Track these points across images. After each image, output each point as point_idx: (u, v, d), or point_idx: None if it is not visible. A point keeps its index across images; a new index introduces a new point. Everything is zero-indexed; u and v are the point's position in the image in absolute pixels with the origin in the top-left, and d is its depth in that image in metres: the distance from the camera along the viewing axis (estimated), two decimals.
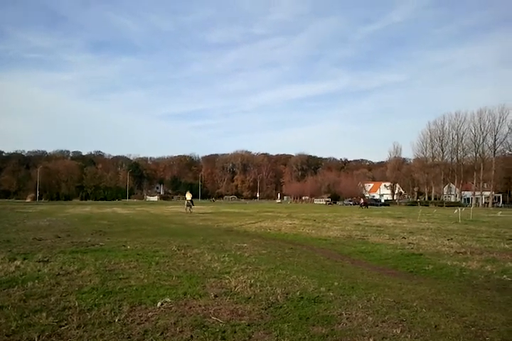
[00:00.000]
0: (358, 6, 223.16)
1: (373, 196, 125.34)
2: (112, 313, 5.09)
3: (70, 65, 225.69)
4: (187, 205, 40.18)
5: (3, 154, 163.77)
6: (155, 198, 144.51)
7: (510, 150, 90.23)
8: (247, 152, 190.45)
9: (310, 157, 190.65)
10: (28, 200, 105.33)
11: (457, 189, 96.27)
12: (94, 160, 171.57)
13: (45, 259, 8.92)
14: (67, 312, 5.09)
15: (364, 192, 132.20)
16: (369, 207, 68.63)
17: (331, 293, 6.30)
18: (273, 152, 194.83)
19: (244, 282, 6.89)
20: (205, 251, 10.71)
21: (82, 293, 6.08)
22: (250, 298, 5.99)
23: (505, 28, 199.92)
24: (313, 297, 6.08)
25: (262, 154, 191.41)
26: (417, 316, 5.28)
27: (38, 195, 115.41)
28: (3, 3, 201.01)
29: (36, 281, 6.71)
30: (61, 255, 9.61)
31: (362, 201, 73.43)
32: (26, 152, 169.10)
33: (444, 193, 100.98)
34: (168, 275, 7.44)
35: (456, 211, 29.59)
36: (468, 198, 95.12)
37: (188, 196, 41.35)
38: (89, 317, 4.93)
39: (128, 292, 6.18)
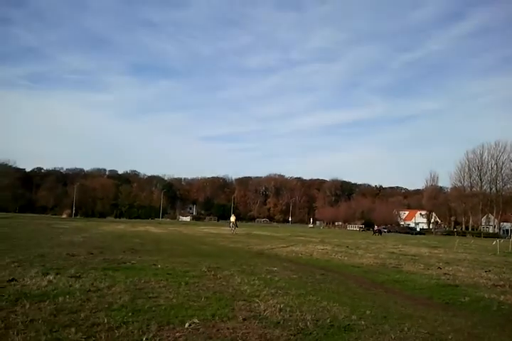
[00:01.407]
0: (396, 33, 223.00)
1: (408, 224, 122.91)
2: (140, 332, 5.06)
3: (110, 86, 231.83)
4: (232, 226, 43.90)
5: (43, 171, 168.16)
6: (187, 218, 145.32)
7: None
8: (280, 175, 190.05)
9: (344, 182, 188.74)
10: (64, 216, 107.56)
11: (496, 220, 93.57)
12: (129, 179, 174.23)
13: (77, 275, 9.01)
14: (95, 329, 5.09)
15: (399, 219, 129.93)
16: (383, 234, 66.93)
17: (363, 322, 6.12)
18: (306, 176, 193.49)
19: (274, 306, 6.77)
20: (235, 273, 10.63)
21: (111, 310, 6.09)
22: (279, 322, 5.87)
23: None
24: (344, 325, 5.91)
25: (296, 178, 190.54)
26: None
27: (73, 211, 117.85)
28: (47, 26, 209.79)
29: (67, 296, 6.76)
30: (93, 271, 9.70)
31: (376, 228, 71.74)
32: (64, 169, 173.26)
33: (482, 224, 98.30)
34: (198, 296, 7.39)
35: (494, 242, 28.68)
36: (507, 230, 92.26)
37: (232, 218, 46.42)
38: (117, 334, 4.91)
39: (157, 311, 6.16)
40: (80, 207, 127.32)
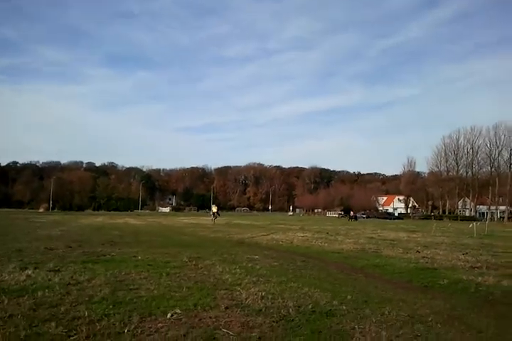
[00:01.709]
0: (373, 21, 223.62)
1: (387, 209, 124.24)
2: (122, 324, 5.03)
3: (87, 78, 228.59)
4: (213, 216, 44.76)
5: (18, 165, 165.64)
6: (167, 209, 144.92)
7: None
8: (259, 164, 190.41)
9: (323, 170, 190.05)
10: (41, 210, 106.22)
11: (472, 203, 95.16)
12: (107, 171, 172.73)
13: (56, 269, 8.91)
14: (76, 322, 5.04)
15: (377, 205, 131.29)
16: (359, 219, 66.93)
17: (344, 307, 6.18)
18: (286, 165, 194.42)
19: (256, 294, 6.79)
20: (217, 262, 10.63)
21: (92, 303, 6.04)
22: (261, 310, 5.89)
23: None
24: (326, 310, 5.97)
25: (275, 167, 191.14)
26: (432, 331, 5.15)
27: (51, 205, 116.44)
28: (23, 18, 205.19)
29: (46, 291, 6.68)
30: (72, 265, 9.60)
31: (352, 214, 71.56)
32: (40, 163, 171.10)
33: (459, 207, 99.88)
34: (179, 286, 7.37)
35: (471, 225, 29.21)
36: (483, 212, 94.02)
37: (214, 208, 47.50)
38: (98, 327, 4.87)
39: (138, 303, 6.13)
40: (57, 201, 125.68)
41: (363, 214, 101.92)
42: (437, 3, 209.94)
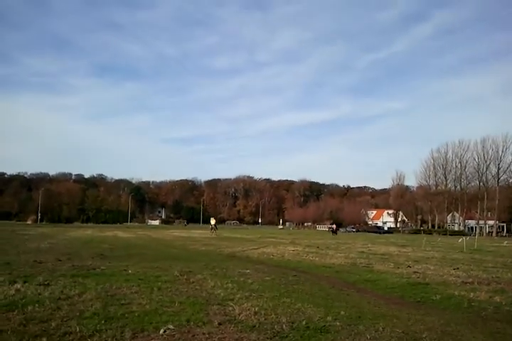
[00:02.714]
0: (361, 34, 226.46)
1: (376, 223, 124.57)
2: (114, 340, 4.97)
3: (75, 88, 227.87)
4: (211, 229, 47.31)
5: (6, 176, 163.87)
6: (156, 222, 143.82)
7: None
8: (249, 177, 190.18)
9: (312, 183, 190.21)
10: (29, 222, 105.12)
11: (461, 217, 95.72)
12: (96, 183, 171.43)
13: (46, 283, 8.79)
14: (67, 338, 4.97)
15: (367, 219, 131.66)
16: (338, 233, 65.80)
17: (338, 323, 6.14)
18: (275, 178, 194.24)
19: (249, 310, 6.74)
20: (208, 276, 10.55)
21: (83, 318, 5.94)
22: (255, 326, 5.84)
23: (504, 61, 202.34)
24: (320, 326, 5.93)
25: (265, 180, 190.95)
26: None
27: (39, 217, 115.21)
28: (9, 28, 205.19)
29: (36, 305, 6.58)
30: (62, 278, 9.48)
31: (334, 226, 70.63)
32: (29, 174, 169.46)
33: (448, 222, 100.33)
34: (171, 301, 7.29)
35: (460, 240, 29.33)
36: (471, 227, 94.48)
37: (212, 221, 50.11)
38: None
39: (130, 318, 6.05)
40: (45, 213, 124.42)
41: (353, 227, 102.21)
42: (423, 18, 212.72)
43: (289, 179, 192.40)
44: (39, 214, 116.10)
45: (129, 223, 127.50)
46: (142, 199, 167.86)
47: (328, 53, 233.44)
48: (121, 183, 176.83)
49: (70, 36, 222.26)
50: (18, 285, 8.25)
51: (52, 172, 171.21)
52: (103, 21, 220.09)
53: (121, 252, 18.73)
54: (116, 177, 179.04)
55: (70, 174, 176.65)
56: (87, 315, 6.13)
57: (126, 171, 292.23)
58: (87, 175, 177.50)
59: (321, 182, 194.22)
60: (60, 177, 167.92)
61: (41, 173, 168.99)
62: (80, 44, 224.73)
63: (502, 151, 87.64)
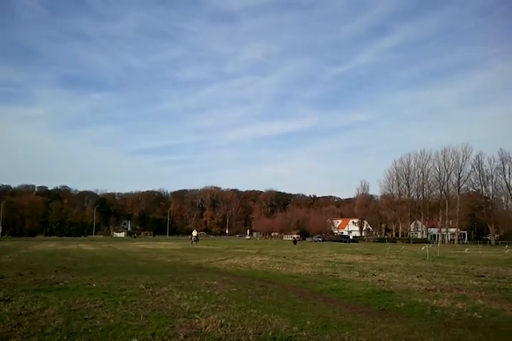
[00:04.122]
0: (326, 47, 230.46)
1: (342, 232, 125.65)
2: None
3: (39, 99, 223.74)
4: (193, 240, 50.83)
5: None
6: (122, 234, 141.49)
7: (473, 188, 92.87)
8: (216, 188, 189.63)
9: (279, 193, 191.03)
10: None
11: (423, 226, 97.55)
12: (60, 195, 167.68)
13: (7, 298, 8.56)
14: None
15: (333, 228, 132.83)
16: (302, 242, 66.41)
17: (304, 333, 6.17)
18: (242, 188, 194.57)
19: (215, 322, 6.71)
20: (174, 289, 10.45)
21: (45, 334, 5.81)
22: (221, 338, 5.82)
23: (462, 73, 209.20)
24: (286, 337, 5.94)
25: (232, 190, 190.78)
26: None
27: (0, 230, 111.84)
28: None
29: None
30: (23, 294, 9.23)
31: (295, 236, 70.51)
32: None
33: (411, 230, 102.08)
34: (136, 314, 7.19)
35: (423, 248, 29.86)
36: (434, 235, 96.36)
37: (194, 232, 54.21)
38: None
39: (94, 333, 5.94)
40: (7, 226, 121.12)
41: (319, 237, 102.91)
42: (385, 32, 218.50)
43: (256, 189, 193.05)
44: (0, 228, 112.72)
45: (93, 235, 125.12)
46: (107, 211, 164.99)
47: (294, 66, 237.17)
48: (86, 195, 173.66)
49: (35, 46, 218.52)
50: None
51: (14, 184, 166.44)
52: (70, 32, 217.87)
53: (86, 265, 18.35)
54: (81, 188, 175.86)
55: (33, 186, 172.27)
56: (49, 330, 5.99)
57: (90, 183, 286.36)
58: (50, 187, 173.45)
59: (288, 192, 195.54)
60: (22, 189, 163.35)
61: (3, 186, 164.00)
62: (45, 54, 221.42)
63: (462, 161, 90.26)
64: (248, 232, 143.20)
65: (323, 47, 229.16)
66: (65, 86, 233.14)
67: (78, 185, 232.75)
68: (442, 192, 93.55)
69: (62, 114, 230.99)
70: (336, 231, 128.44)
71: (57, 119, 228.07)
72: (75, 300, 8.53)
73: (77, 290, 10.12)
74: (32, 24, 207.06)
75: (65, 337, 5.64)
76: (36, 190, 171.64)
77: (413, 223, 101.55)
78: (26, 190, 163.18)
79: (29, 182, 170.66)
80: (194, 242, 50.25)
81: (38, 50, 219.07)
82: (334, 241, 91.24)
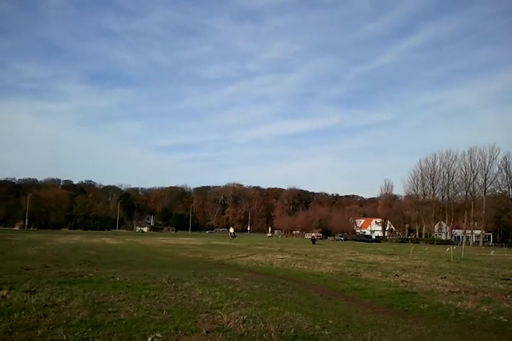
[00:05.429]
0: (350, 46, 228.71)
1: (364, 232, 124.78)
2: None
3: (66, 95, 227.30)
4: (231, 236, 56.59)
5: None
6: (145, 229, 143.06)
7: (500, 190, 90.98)
8: (238, 185, 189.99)
9: (301, 191, 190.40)
10: (17, 228, 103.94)
11: (448, 227, 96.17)
12: (84, 189, 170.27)
13: (33, 289, 8.70)
14: None
15: (355, 227, 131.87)
16: (316, 243, 65.85)
17: (326, 332, 6.14)
18: (265, 185, 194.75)
19: (237, 318, 6.71)
20: (196, 284, 10.50)
21: (70, 325, 5.89)
22: (243, 335, 5.82)
23: (490, 72, 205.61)
24: (308, 335, 5.92)
25: (254, 187, 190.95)
26: None
27: (26, 223, 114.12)
28: (0, 34, 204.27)
29: (23, 312, 6.50)
30: (49, 285, 9.38)
31: (314, 235, 70.14)
32: (17, 180, 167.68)
33: (435, 231, 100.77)
34: (159, 309, 7.24)
35: (448, 249, 29.48)
36: (458, 236, 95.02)
37: (231, 229, 62.17)
38: None
39: (117, 326, 5.99)
40: (33, 219, 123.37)
41: (341, 236, 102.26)
42: (411, 31, 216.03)
43: (278, 187, 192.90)
44: (27, 220, 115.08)
45: (117, 230, 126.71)
46: (131, 205, 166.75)
47: (317, 64, 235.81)
48: (110, 190, 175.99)
49: (62, 43, 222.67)
50: (4, 292, 8.16)
51: (40, 178, 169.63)
52: (96, 29, 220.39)
53: (109, 259, 18.59)
54: (105, 183, 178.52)
55: (59, 180, 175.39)
56: (74, 322, 6.07)
57: (115, 178, 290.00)
58: (75, 181, 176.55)
59: (310, 191, 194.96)
60: (48, 183, 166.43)
61: (29, 179, 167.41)
62: (72, 51, 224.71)
63: (489, 162, 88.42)
64: (270, 230, 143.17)
65: (347, 46, 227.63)
66: (91, 82, 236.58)
67: (102, 179, 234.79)
68: (468, 193, 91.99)
69: (87, 109, 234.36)
70: (359, 231, 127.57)
71: (83, 115, 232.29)
72: (99, 293, 8.63)
73: (101, 283, 10.25)
74: (58, 20, 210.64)
75: (90, 329, 5.70)
76: (62, 183, 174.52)
77: (437, 224, 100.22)
78: (52, 184, 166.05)
79: (55, 176, 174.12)
80: (232, 238, 54.76)
81: (66, 46, 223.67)
82: (356, 240, 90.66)
